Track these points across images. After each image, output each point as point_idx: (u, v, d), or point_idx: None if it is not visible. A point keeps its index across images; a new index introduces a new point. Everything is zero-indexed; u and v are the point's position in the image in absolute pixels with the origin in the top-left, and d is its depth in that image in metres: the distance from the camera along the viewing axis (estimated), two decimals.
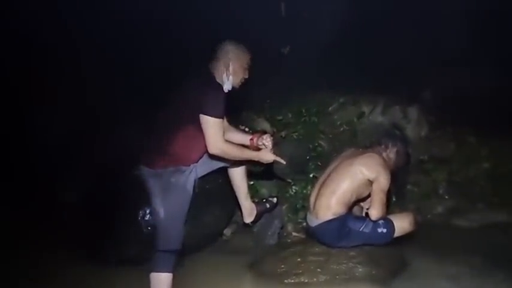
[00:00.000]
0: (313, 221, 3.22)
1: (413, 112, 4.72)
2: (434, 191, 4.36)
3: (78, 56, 4.59)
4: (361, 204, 3.36)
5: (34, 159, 4.28)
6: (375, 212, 3.06)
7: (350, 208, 3.23)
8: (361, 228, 3.10)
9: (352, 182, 3.12)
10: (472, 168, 4.49)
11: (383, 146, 3.33)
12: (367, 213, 3.15)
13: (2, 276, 3.21)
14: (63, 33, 4.54)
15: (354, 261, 3.03)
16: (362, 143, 4.22)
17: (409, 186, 4.36)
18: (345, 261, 3.03)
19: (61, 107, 4.52)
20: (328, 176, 3.25)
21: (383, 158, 3.22)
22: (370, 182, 3.11)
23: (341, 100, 4.76)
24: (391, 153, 3.30)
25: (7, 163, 4.24)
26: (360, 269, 2.99)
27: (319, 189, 3.24)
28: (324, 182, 3.24)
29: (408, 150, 3.56)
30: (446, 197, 4.33)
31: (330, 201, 3.12)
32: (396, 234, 3.12)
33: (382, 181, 3.07)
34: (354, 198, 3.17)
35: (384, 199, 3.09)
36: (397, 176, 3.85)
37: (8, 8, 4.32)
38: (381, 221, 3.09)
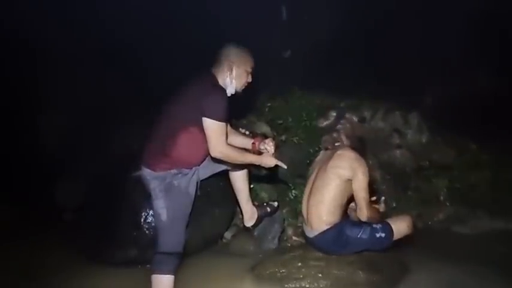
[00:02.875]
0: (309, 232, 3.15)
1: (414, 118, 4.75)
2: (435, 197, 4.36)
3: (78, 56, 4.57)
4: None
5: (35, 160, 4.27)
6: (362, 214, 2.99)
7: (345, 210, 3.16)
8: (359, 234, 3.03)
9: (336, 187, 3.01)
10: (473, 175, 4.51)
11: (335, 142, 3.22)
12: None
13: (2, 276, 3.19)
14: (62, 31, 4.53)
15: (354, 267, 3.01)
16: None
17: (410, 193, 4.35)
18: (345, 267, 3.01)
19: (62, 107, 4.52)
20: (313, 184, 3.14)
21: (351, 150, 3.11)
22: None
23: (342, 105, 4.77)
24: (344, 140, 3.19)
25: (7, 163, 4.22)
26: (361, 275, 2.97)
27: (308, 200, 3.14)
28: (310, 192, 3.14)
29: (354, 129, 3.38)
30: (447, 203, 4.33)
31: (320, 211, 3.03)
32: (395, 237, 3.06)
33: (361, 177, 2.96)
34: (345, 200, 3.07)
35: (368, 197, 3.00)
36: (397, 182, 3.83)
37: (7, 6, 4.30)
38: (378, 226, 3.05)
